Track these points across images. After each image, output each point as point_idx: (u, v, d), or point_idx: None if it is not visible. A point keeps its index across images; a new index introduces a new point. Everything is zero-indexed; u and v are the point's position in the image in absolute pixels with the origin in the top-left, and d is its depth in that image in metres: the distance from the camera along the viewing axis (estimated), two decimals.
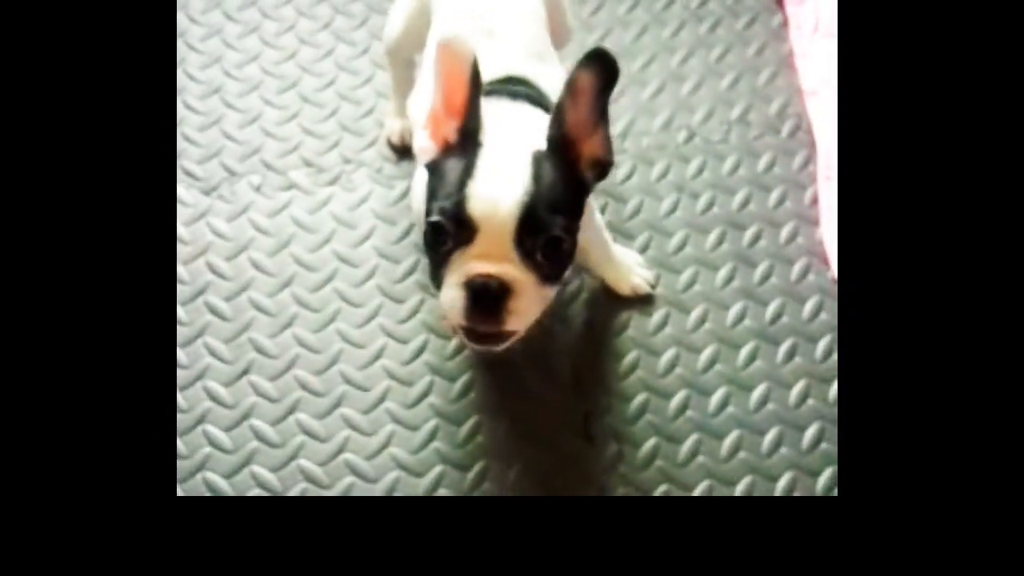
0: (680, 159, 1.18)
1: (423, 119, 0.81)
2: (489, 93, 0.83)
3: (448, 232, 0.75)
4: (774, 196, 1.16)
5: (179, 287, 1.08)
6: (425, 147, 0.80)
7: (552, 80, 0.90)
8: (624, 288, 1.06)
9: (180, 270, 1.09)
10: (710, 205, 1.15)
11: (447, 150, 0.79)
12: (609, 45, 1.26)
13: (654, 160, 1.18)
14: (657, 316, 1.08)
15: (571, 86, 0.76)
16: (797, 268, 1.11)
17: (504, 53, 0.83)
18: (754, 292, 1.09)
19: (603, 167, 0.80)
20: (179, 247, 1.10)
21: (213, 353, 1.04)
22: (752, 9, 1.31)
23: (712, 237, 1.13)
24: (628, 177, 1.16)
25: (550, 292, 0.79)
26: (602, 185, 1.15)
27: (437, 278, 0.79)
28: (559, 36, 1.03)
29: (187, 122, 1.19)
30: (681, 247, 1.12)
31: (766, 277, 1.11)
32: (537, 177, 0.76)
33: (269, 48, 1.25)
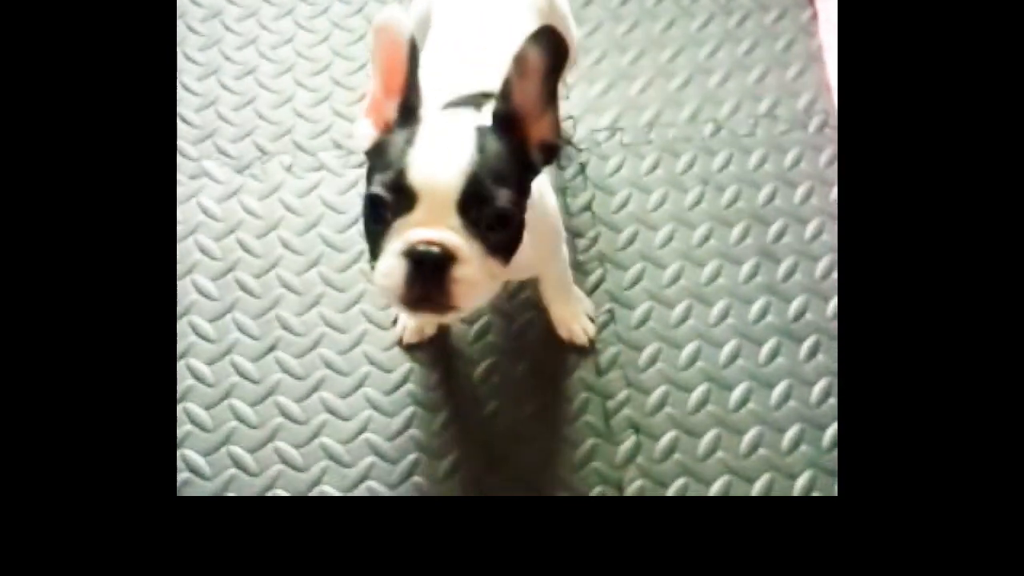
0: (706, 152, 1.09)
1: (364, 108, 0.72)
2: (452, 104, 0.75)
3: (388, 203, 0.65)
4: (800, 192, 1.07)
5: (211, 262, 1.01)
6: (366, 134, 0.71)
7: None
8: (563, 331, 0.96)
9: (212, 246, 1.02)
10: (735, 199, 1.06)
11: (387, 131, 0.69)
12: (637, 36, 1.18)
13: (680, 152, 1.09)
14: (679, 309, 0.99)
15: (519, 63, 0.66)
16: (822, 266, 1.02)
17: (485, 71, 0.73)
18: (778, 288, 1.01)
19: (552, 150, 0.70)
20: (212, 223, 1.03)
21: (241, 328, 0.97)
22: (781, 3, 1.21)
23: (736, 231, 1.04)
24: (653, 168, 1.08)
25: (497, 270, 0.67)
26: (627, 175, 1.09)
27: (375, 253, 0.67)
28: None
29: (222, 101, 1.11)
30: (705, 240, 1.04)
31: (790, 273, 1.02)
32: (481, 147, 0.65)
33: (303, 31, 1.17)
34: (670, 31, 1.18)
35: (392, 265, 0.65)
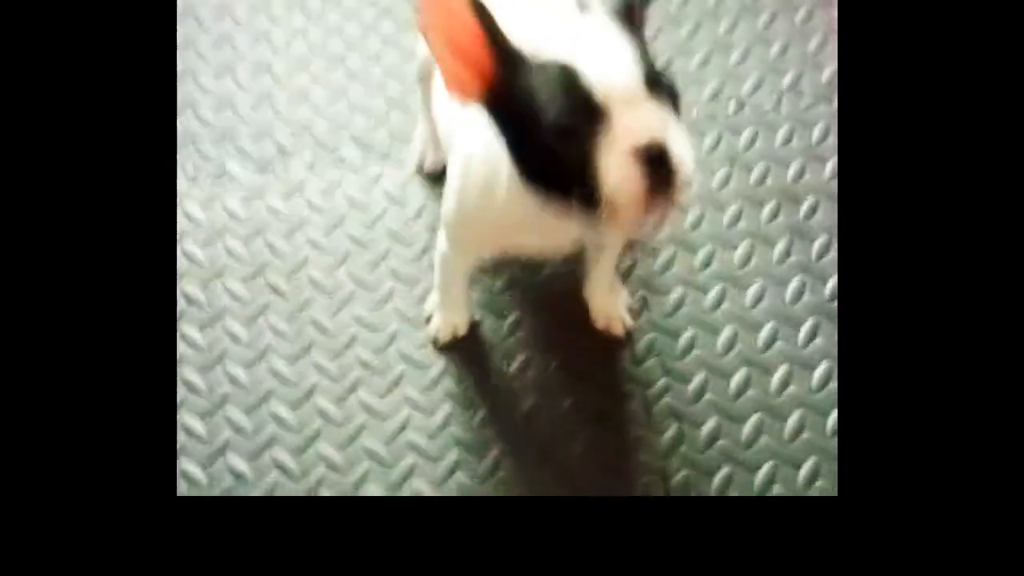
0: (731, 130, 1.03)
1: (444, 85, 0.66)
2: None
3: (583, 127, 0.60)
4: (829, 168, 1.01)
5: (239, 267, 0.96)
6: (462, 101, 0.65)
7: None
8: (600, 320, 0.92)
9: (241, 249, 0.97)
10: (764, 177, 1.00)
11: (495, 84, 0.63)
12: (654, 13, 1.10)
13: (705, 131, 1.03)
14: (713, 293, 0.94)
15: None
16: None
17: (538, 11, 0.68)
18: (812, 268, 0.95)
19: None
20: (237, 226, 0.98)
21: (275, 331, 0.92)
22: None
23: (767, 210, 0.98)
24: None
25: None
26: None
27: (582, 181, 0.61)
28: None
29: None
30: (736, 221, 0.98)
31: (824, 252, 0.96)
32: (625, 37, 0.62)
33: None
34: (687, 8, 1.11)
35: (625, 176, 0.60)
